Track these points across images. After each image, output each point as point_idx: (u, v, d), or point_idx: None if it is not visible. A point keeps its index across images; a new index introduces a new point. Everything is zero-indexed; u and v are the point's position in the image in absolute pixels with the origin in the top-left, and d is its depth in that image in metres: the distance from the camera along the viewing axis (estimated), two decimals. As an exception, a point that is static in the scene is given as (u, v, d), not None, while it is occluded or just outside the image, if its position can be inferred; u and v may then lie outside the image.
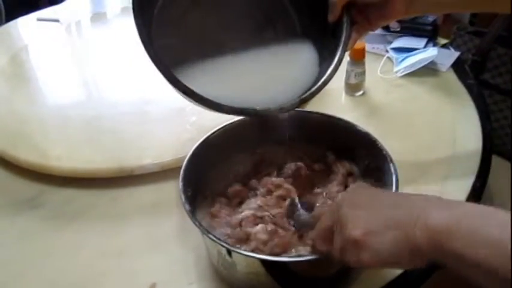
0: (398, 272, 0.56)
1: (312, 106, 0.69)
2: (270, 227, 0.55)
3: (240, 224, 0.56)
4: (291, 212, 0.57)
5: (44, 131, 0.82)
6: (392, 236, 0.39)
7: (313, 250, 0.49)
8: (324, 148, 0.65)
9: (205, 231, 0.49)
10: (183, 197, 0.53)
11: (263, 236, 0.53)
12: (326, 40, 0.61)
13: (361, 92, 0.92)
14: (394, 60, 1.00)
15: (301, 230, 0.55)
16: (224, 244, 0.48)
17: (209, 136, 0.62)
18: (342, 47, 0.57)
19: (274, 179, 0.61)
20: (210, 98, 0.52)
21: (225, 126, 0.63)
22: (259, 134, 0.64)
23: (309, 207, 0.58)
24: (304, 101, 0.55)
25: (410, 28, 1.05)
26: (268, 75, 0.60)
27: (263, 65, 0.60)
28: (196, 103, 0.53)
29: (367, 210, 0.43)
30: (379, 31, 1.05)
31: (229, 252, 0.49)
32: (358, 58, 0.87)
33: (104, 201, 0.70)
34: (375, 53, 1.03)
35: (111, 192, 0.71)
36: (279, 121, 0.59)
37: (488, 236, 0.34)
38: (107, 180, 0.72)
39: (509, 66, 1.11)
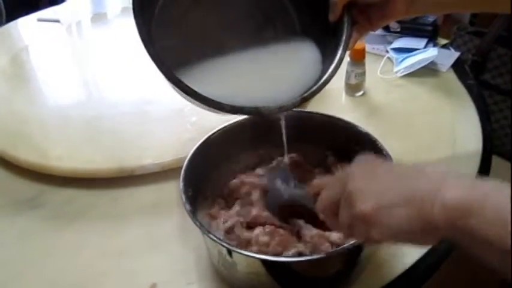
0: (398, 272, 0.57)
1: (312, 106, 0.69)
2: (268, 227, 0.55)
3: (232, 230, 0.56)
4: (273, 183, 0.56)
5: (45, 131, 0.82)
6: (405, 212, 0.37)
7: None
8: (324, 148, 0.65)
9: (206, 231, 0.49)
10: (183, 197, 0.53)
11: (264, 238, 0.53)
12: (327, 40, 0.61)
13: (361, 93, 0.92)
14: (394, 61, 1.00)
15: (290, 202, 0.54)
16: (225, 244, 0.48)
17: (210, 136, 0.62)
18: (343, 47, 0.57)
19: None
20: (211, 97, 0.52)
21: (225, 126, 0.63)
22: (260, 134, 0.64)
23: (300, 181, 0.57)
24: (305, 100, 0.55)
25: (411, 28, 1.05)
26: (269, 74, 0.60)
27: (264, 64, 0.60)
28: (197, 103, 0.53)
29: (378, 183, 0.40)
30: (379, 31, 1.05)
31: (229, 252, 0.49)
32: (358, 58, 0.88)
33: (104, 201, 0.70)
34: (375, 54, 1.03)
35: (112, 193, 0.71)
36: (279, 121, 0.59)
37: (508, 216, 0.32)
38: (107, 181, 0.72)
39: (509, 66, 1.11)
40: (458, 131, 0.80)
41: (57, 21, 1.23)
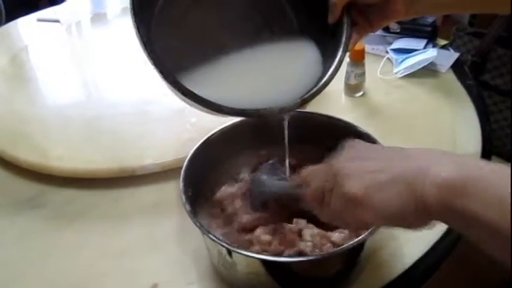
0: (398, 272, 0.57)
1: (312, 107, 0.69)
2: (269, 226, 0.55)
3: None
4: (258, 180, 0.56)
5: (45, 131, 0.82)
6: (397, 191, 0.36)
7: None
8: (323, 149, 0.65)
9: (206, 232, 0.49)
10: (183, 197, 0.53)
11: (266, 237, 0.53)
12: (325, 41, 0.61)
13: (361, 93, 0.92)
14: (393, 61, 1.00)
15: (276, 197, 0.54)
16: (224, 244, 0.48)
17: (210, 136, 0.62)
18: (343, 48, 0.57)
19: None
20: (211, 99, 0.52)
21: (225, 126, 0.63)
22: (260, 135, 0.64)
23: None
24: (305, 101, 0.55)
25: (410, 29, 1.05)
26: (269, 75, 0.60)
27: (264, 65, 0.60)
28: (196, 105, 0.53)
29: (367, 165, 0.39)
30: (378, 32, 1.05)
31: (229, 252, 0.49)
32: (358, 59, 0.88)
33: (105, 201, 0.70)
34: (375, 54, 1.04)
35: (112, 193, 0.71)
36: (280, 122, 0.59)
37: (505, 195, 0.31)
38: (108, 181, 0.72)
39: (509, 67, 1.11)
40: (458, 131, 0.80)
41: (57, 21, 1.23)
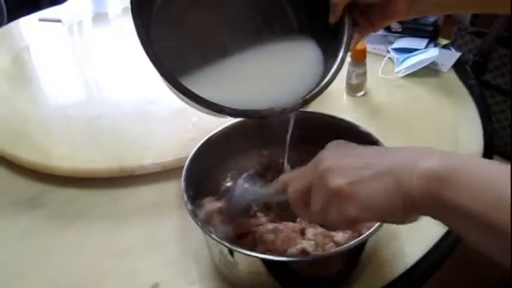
0: (399, 271, 0.57)
1: (314, 106, 0.68)
2: (272, 225, 0.55)
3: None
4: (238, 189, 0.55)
5: (46, 130, 0.82)
6: (383, 185, 0.36)
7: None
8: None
9: (207, 231, 0.49)
10: (185, 196, 0.53)
11: (269, 236, 0.53)
12: (326, 41, 0.61)
13: (362, 93, 0.92)
14: (395, 61, 1.00)
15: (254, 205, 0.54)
16: (226, 244, 0.48)
17: (211, 136, 0.62)
18: (344, 48, 0.57)
19: None
20: (211, 100, 0.52)
21: (227, 126, 0.63)
22: (261, 134, 0.64)
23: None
24: (306, 102, 0.55)
25: (412, 29, 1.05)
26: (270, 75, 0.59)
27: (265, 66, 0.60)
28: (197, 105, 0.53)
29: (352, 160, 0.39)
30: (380, 32, 1.04)
31: (231, 251, 0.49)
32: (360, 59, 0.88)
33: (106, 201, 0.70)
34: (376, 54, 1.03)
35: (113, 192, 0.71)
36: (281, 121, 0.59)
37: (489, 187, 0.32)
38: (109, 180, 0.72)
39: (510, 66, 1.11)
40: (460, 131, 0.80)
41: (59, 21, 1.24)
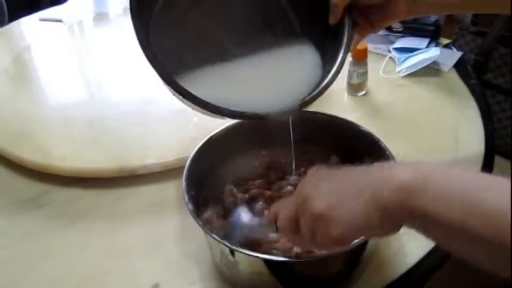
0: (401, 271, 0.57)
1: (314, 106, 0.68)
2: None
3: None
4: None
5: (47, 130, 0.82)
6: (358, 202, 0.37)
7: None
8: (327, 148, 0.65)
9: (208, 231, 0.49)
10: (186, 196, 0.53)
11: (273, 235, 0.53)
12: (326, 43, 0.61)
13: (363, 92, 0.92)
14: (396, 60, 1.00)
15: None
16: (227, 244, 0.48)
17: (212, 136, 0.62)
18: (344, 50, 0.57)
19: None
20: (210, 101, 0.52)
21: (227, 126, 0.63)
22: (262, 134, 0.64)
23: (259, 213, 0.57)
24: (305, 104, 0.55)
25: (413, 28, 1.05)
26: (269, 78, 0.59)
27: (264, 68, 0.60)
28: (196, 107, 0.53)
29: (329, 184, 0.41)
30: (381, 31, 1.04)
31: (232, 251, 0.49)
32: (361, 58, 0.88)
33: (107, 201, 0.70)
34: (377, 53, 1.03)
35: (114, 192, 0.71)
36: (282, 121, 0.59)
37: (457, 192, 0.33)
38: (110, 180, 0.72)
39: (511, 66, 1.11)
40: (461, 130, 0.80)
41: (60, 21, 1.24)
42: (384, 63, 0.99)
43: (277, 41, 0.62)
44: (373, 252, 0.57)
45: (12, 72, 1.02)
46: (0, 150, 0.78)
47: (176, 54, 0.58)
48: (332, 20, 0.57)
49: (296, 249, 0.52)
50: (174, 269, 0.59)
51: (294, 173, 0.62)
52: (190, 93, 0.51)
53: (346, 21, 0.57)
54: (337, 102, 0.90)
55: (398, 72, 0.97)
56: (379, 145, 0.59)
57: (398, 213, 0.35)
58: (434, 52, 0.96)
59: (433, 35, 1.04)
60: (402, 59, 0.99)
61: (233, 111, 0.52)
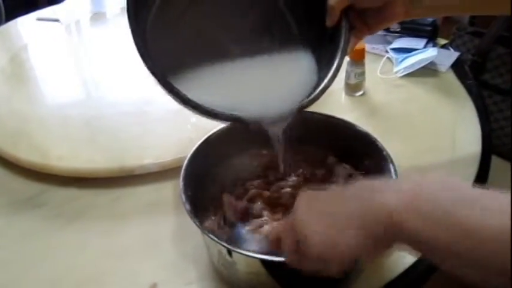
0: (398, 271, 0.57)
1: (312, 106, 0.68)
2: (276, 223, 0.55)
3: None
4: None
5: (45, 130, 0.82)
6: (360, 238, 0.39)
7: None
8: (324, 149, 0.65)
9: (206, 231, 0.49)
10: (183, 196, 0.53)
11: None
12: (323, 45, 0.60)
13: (361, 92, 0.92)
14: (393, 61, 1.00)
15: None
16: (224, 244, 0.48)
17: (210, 136, 0.62)
18: (341, 54, 0.57)
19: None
20: (206, 105, 0.52)
21: (225, 126, 0.63)
22: (260, 134, 0.64)
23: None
24: (303, 107, 0.55)
25: (410, 29, 1.05)
26: (266, 82, 0.59)
27: (261, 72, 0.60)
28: (191, 110, 0.52)
29: (323, 216, 0.42)
30: (379, 31, 1.05)
31: (229, 252, 0.49)
32: (358, 58, 0.88)
33: (105, 201, 0.70)
34: (375, 54, 1.03)
35: (112, 192, 0.71)
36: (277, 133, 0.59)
37: (444, 215, 0.34)
38: (108, 180, 0.72)
39: (509, 66, 1.11)
40: (458, 131, 0.80)
41: (57, 20, 1.23)
42: (381, 64, 0.99)
43: (274, 45, 0.62)
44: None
45: (9, 71, 1.02)
46: (-3, 150, 0.78)
47: (173, 55, 0.58)
48: (329, 23, 0.57)
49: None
50: (172, 269, 0.59)
51: (289, 176, 0.62)
52: (186, 96, 0.51)
53: (343, 24, 0.57)
54: (335, 102, 0.90)
55: (396, 72, 0.97)
56: (376, 145, 0.59)
57: (392, 239, 0.38)
58: (431, 52, 0.96)
59: (431, 36, 1.04)
60: (400, 59, 0.99)
61: (229, 115, 0.52)
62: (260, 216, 0.59)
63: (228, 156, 0.63)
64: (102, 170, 0.72)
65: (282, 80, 0.59)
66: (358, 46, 0.84)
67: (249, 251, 0.51)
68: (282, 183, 0.63)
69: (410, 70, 0.95)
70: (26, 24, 1.26)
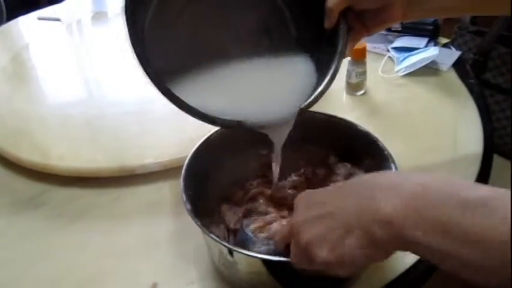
0: (399, 271, 0.57)
1: (313, 106, 0.69)
2: (284, 221, 0.55)
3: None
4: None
5: (46, 130, 0.82)
6: (358, 241, 0.39)
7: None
8: (325, 148, 0.65)
9: (207, 231, 0.49)
10: (184, 196, 0.53)
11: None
12: (322, 48, 0.60)
13: (362, 92, 0.92)
14: (395, 60, 1.00)
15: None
16: (225, 243, 0.48)
17: (210, 135, 0.62)
18: (339, 56, 0.56)
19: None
20: (204, 110, 0.51)
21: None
22: (261, 134, 0.63)
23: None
24: (301, 111, 0.55)
25: (412, 28, 1.05)
26: (264, 86, 0.59)
27: (259, 76, 0.59)
28: (188, 114, 0.52)
29: (322, 221, 0.42)
30: (380, 30, 1.05)
31: (230, 251, 0.49)
32: (359, 58, 0.87)
33: (106, 200, 0.70)
34: (376, 53, 1.03)
35: (113, 192, 0.71)
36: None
37: (444, 219, 0.34)
38: (109, 180, 0.72)
39: (510, 65, 1.11)
40: (459, 130, 0.80)
41: (58, 19, 1.23)
42: (382, 63, 0.99)
43: (273, 48, 0.62)
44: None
45: (10, 71, 1.02)
46: (-2, 149, 0.78)
47: (171, 56, 0.58)
48: (327, 24, 0.57)
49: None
50: (173, 269, 0.59)
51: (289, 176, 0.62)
52: (184, 101, 0.50)
53: (342, 25, 0.57)
54: (336, 102, 0.90)
55: (397, 71, 0.97)
56: (377, 144, 0.59)
57: (393, 243, 0.38)
58: (433, 51, 0.96)
59: (432, 35, 1.04)
60: (401, 59, 0.99)
61: (226, 120, 0.52)
62: (266, 213, 0.59)
63: (229, 156, 0.63)
64: (103, 169, 0.72)
65: (281, 83, 0.59)
66: (359, 45, 0.84)
67: (249, 251, 0.51)
68: (284, 183, 0.63)
69: (412, 69, 0.95)
70: (27, 24, 1.26)
